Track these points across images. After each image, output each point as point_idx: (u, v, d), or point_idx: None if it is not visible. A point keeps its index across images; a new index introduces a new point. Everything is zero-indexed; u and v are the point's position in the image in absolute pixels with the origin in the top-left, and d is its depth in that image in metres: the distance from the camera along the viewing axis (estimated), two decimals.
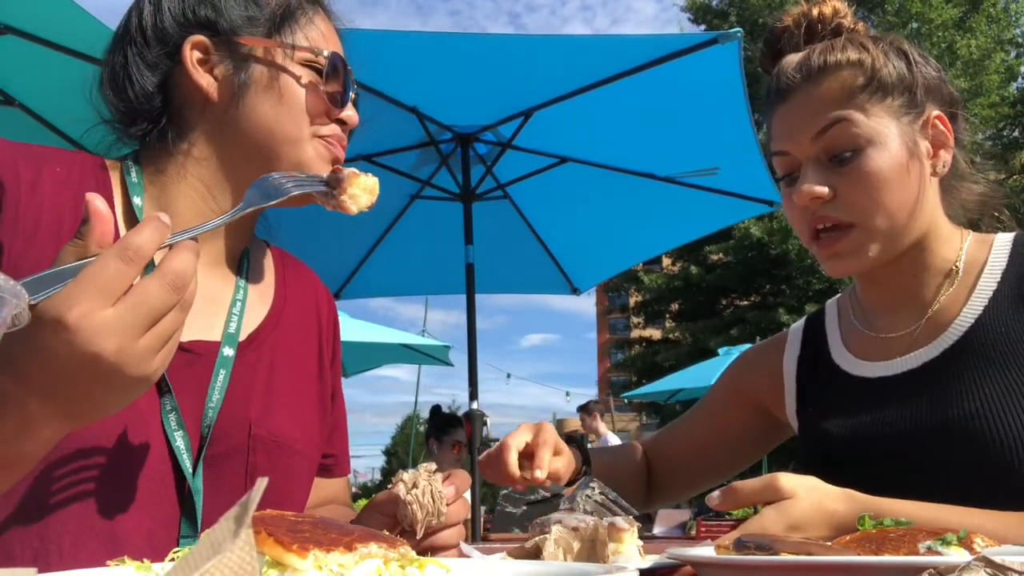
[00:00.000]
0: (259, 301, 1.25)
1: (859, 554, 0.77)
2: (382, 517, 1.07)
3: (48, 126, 3.81)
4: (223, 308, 1.18)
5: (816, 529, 1.02)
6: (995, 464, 1.16)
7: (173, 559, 0.64)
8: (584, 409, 9.04)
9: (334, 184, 1.06)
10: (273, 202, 0.98)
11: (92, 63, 3.51)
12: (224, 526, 0.45)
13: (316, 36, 1.21)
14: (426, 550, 1.05)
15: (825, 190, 1.26)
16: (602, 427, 8.85)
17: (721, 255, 21.23)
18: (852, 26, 1.37)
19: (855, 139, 1.26)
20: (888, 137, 1.26)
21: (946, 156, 1.32)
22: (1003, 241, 1.35)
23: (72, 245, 0.78)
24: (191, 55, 1.15)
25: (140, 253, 0.77)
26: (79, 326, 0.75)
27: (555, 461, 1.35)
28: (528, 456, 1.33)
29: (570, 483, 1.42)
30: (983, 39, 17.00)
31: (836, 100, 1.27)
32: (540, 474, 1.28)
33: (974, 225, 1.40)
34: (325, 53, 1.18)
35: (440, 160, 4.83)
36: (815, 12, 1.37)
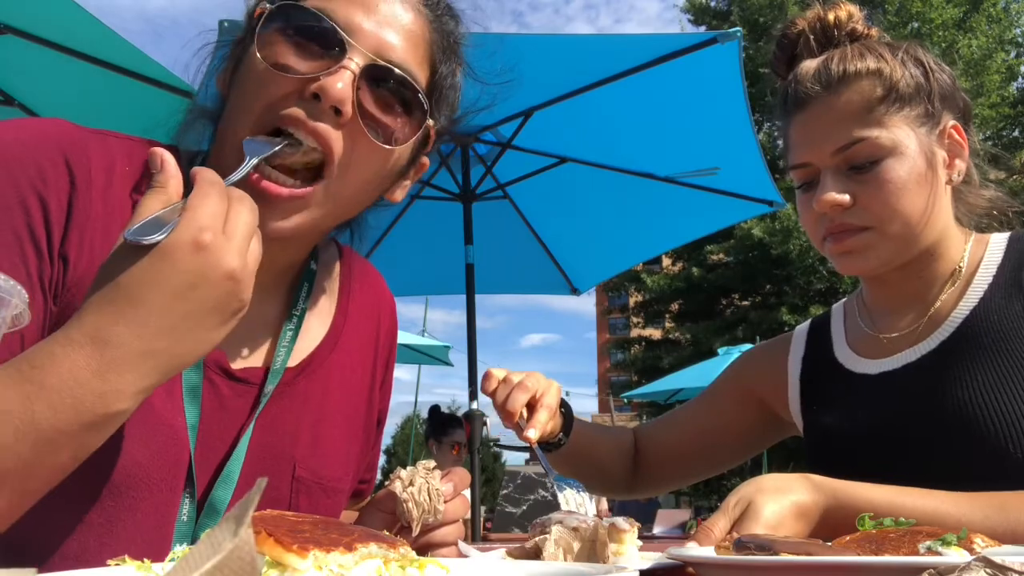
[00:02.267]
0: (319, 319, 1.15)
1: (859, 554, 0.77)
2: (382, 514, 1.05)
3: None
4: (272, 336, 1.09)
5: (790, 522, 1.03)
6: (989, 449, 1.18)
7: (173, 559, 0.64)
8: None
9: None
10: (272, 151, 0.93)
11: (92, 63, 3.52)
12: (224, 526, 0.45)
13: (337, 2, 0.96)
14: (424, 547, 1.03)
15: (846, 198, 1.28)
16: None
17: (722, 255, 21.22)
18: (865, 31, 1.38)
19: (876, 151, 1.27)
20: (907, 147, 1.28)
21: (961, 165, 1.34)
22: (999, 239, 1.37)
23: (156, 193, 0.80)
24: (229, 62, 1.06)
25: (224, 188, 0.81)
26: (214, 246, 0.77)
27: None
28: (528, 405, 1.35)
29: (543, 443, 1.43)
30: (983, 39, 16.99)
31: (856, 113, 1.28)
32: (532, 434, 1.30)
33: (980, 227, 1.42)
34: (287, 2, 0.94)
35: (440, 160, 4.83)
36: (830, 17, 1.37)
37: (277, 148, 0.94)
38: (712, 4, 21.38)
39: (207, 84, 1.10)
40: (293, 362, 1.09)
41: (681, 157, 4.74)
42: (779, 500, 1.03)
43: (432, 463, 1.06)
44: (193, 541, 0.98)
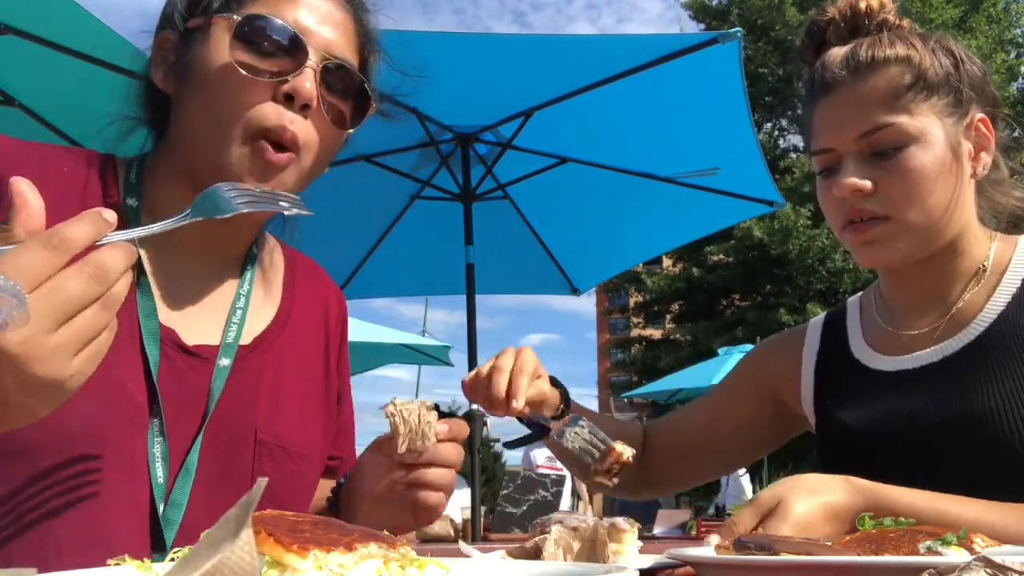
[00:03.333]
0: (266, 303, 1.23)
1: (859, 554, 0.77)
2: (381, 456, 1.08)
3: (48, 126, 3.81)
4: (223, 314, 1.16)
5: (820, 523, 1.01)
6: (1011, 458, 1.17)
7: (173, 559, 0.64)
8: None
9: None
10: (219, 216, 0.90)
11: (92, 63, 3.52)
12: (224, 526, 0.45)
13: (277, 2, 1.06)
14: (413, 485, 1.06)
15: (868, 184, 1.26)
16: None
17: (722, 255, 21.24)
18: (897, 21, 1.37)
19: (900, 138, 1.26)
20: (933, 136, 1.26)
21: (986, 159, 1.32)
22: None
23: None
24: (155, 54, 1.12)
25: (67, 243, 0.71)
26: None
27: (537, 385, 1.31)
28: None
29: (555, 418, 1.37)
30: (983, 39, 17.03)
31: (883, 100, 1.27)
32: (517, 404, 1.24)
33: (1006, 229, 1.40)
34: (255, 14, 1.03)
35: (440, 160, 4.83)
36: (861, 5, 1.36)
37: (229, 215, 0.91)
38: (713, 3, 21.40)
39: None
40: (245, 340, 1.15)
41: (681, 157, 4.74)
42: (810, 500, 1.01)
43: (432, 402, 1.06)
44: (166, 501, 1.04)
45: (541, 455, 8.64)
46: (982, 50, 16.78)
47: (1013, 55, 18.50)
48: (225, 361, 1.11)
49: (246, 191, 0.94)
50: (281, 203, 0.99)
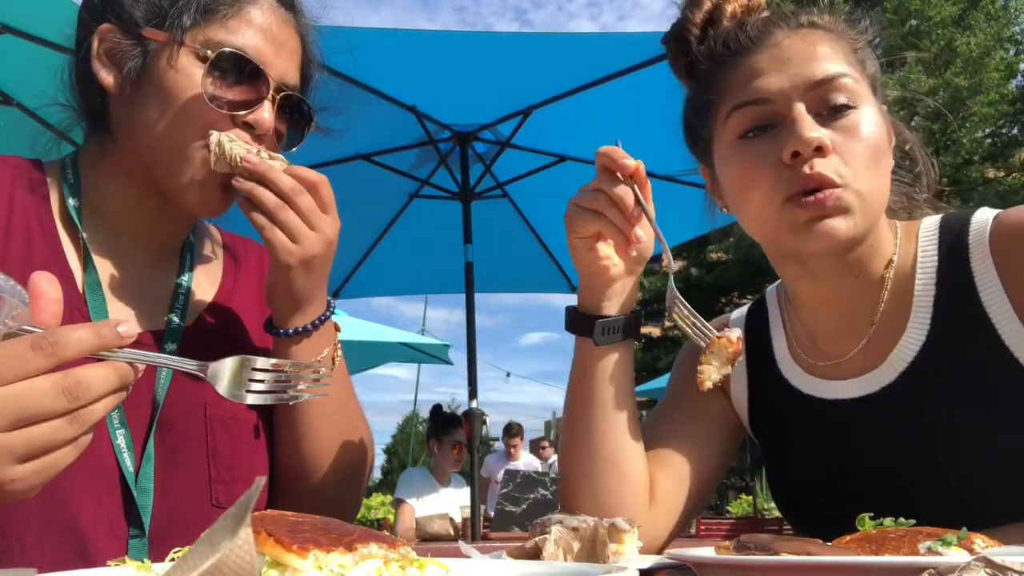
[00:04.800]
0: (207, 284, 1.27)
1: (859, 554, 0.77)
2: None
3: (47, 126, 3.80)
4: (166, 302, 1.19)
5: None
6: (967, 503, 1.09)
7: (173, 559, 0.64)
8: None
9: None
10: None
11: None
12: (224, 526, 0.45)
13: (241, 30, 1.10)
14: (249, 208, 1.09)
15: (829, 142, 1.08)
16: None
17: (722, 254, 21.24)
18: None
19: (853, 96, 1.12)
20: (875, 104, 1.16)
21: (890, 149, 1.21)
22: (929, 231, 1.21)
23: (16, 313, 0.73)
24: (97, 45, 1.11)
25: (56, 349, 0.71)
26: None
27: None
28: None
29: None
30: (982, 36, 16.97)
31: (833, 55, 1.13)
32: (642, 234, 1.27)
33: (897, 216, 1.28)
34: (226, 50, 1.08)
35: (439, 159, 4.83)
36: (727, 8, 1.24)
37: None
38: None
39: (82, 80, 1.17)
40: (188, 322, 1.19)
41: (681, 155, 4.73)
42: None
43: (282, 158, 1.12)
44: (136, 482, 1.07)
45: (499, 468, 8.59)
46: (981, 47, 16.75)
47: (1012, 52, 18.45)
48: (171, 346, 1.14)
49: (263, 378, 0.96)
50: (299, 387, 1.02)
